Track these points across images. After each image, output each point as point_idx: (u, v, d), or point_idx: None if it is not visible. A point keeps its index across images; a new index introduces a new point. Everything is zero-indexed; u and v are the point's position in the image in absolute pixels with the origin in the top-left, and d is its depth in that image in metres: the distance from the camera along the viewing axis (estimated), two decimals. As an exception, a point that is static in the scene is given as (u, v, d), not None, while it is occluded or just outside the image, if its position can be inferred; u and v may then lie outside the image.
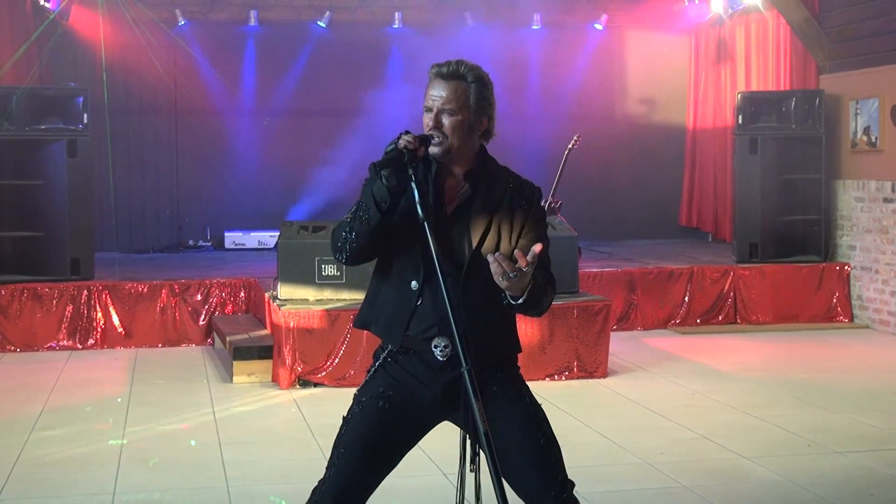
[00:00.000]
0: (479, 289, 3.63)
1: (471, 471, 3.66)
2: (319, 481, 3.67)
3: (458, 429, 3.75)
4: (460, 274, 3.63)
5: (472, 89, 3.68)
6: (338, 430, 3.71)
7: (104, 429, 7.37)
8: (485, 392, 3.56)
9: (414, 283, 3.65)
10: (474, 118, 3.69)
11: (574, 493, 3.66)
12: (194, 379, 9.01)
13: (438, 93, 3.66)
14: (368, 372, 3.79)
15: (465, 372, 3.40)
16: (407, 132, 3.59)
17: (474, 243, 3.65)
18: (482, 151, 3.78)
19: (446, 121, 3.64)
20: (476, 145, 3.74)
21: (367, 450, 3.61)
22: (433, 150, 3.63)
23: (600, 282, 10.90)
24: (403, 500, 5.77)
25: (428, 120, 3.66)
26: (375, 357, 3.80)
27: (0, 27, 11.19)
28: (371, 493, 3.65)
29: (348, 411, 3.73)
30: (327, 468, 3.66)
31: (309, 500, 3.68)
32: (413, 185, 3.54)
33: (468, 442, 3.67)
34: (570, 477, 3.66)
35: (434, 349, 3.64)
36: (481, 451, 3.56)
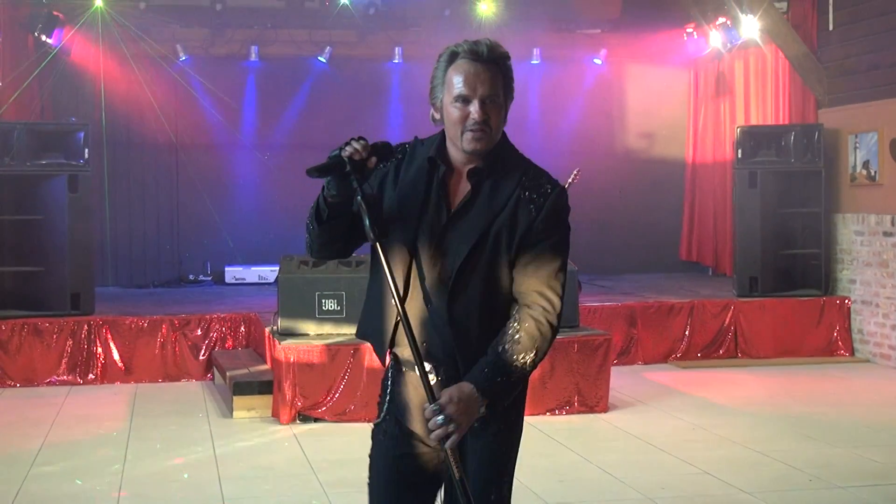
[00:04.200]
0: (468, 303, 3.25)
1: None
2: None
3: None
4: (447, 287, 3.25)
5: (506, 72, 3.36)
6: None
7: (104, 464, 7.33)
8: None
9: (398, 290, 3.24)
10: (507, 106, 3.36)
11: None
12: (194, 414, 8.98)
13: (481, 79, 3.26)
14: (378, 401, 3.49)
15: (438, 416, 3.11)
16: (360, 138, 3.23)
17: (465, 252, 3.24)
18: (501, 142, 3.39)
19: (491, 113, 3.27)
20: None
21: (392, 493, 3.38)
22: (476, 146, 3.27)
23: (601, 316, 10.89)
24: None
25: (474, 113, 3.24)
26: (382, 382, 3.48)
27: (2, 63, 11.23)
28: None
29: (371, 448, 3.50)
30: None
31: None
32: (360, 199, 3.17)
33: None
34: None
35: (427, 374, 3.22)
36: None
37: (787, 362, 11.18)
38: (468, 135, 3.24)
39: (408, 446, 3.36)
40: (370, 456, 3.45)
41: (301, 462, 7.39)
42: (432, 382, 3.20)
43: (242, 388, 8.93)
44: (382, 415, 3.41)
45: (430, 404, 3.11)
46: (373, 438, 3.45)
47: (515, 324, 3.27)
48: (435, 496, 3.42)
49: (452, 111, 3.26)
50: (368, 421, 8.13)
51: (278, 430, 8.39)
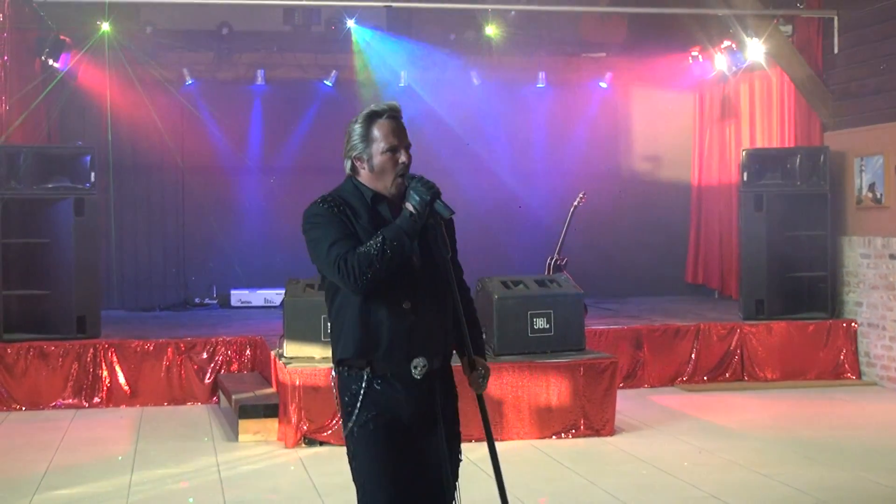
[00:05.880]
0: (450, 300, 4.12)
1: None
2: None
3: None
4: (441, 290, 4.08)
5: None
6: (352, 474, 4.08)
7: (109, 488, 7.32)
8: (439, 403, 4.08)
9: (406, 305, 4.00)
10: None
11: None
12: (199, 437, 8.98)
13: (403, 133, 4.09)
14: (347, 409, 4.04)
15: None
16: (422, 177, 4.04)
17: (447, 260, 4.07)
18: None
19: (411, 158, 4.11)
20: None
21: (388, 477, 3.97)
22: (402, 187, 4.07)
23: (607, 339, 10.87)
24: None
25: (404, 158, 4.06)
26: (349, 392, 4.03)
27: (9, 87, 11.28)
28: None
29: (349, 452, 4.09)
30: None
31: None
32: (441, 226, 4.04)
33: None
34: None
35: (413, 369, 3.99)
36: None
37: (794, 385, 11.15)
38: (399, 179, 4.06)
39: (392, 425, 3.99)
40: (356, 453, 4.04)
41: (307, 486, 7.37)
42: (423, 372, 4.01)
43: (248, 411, 8.92)
44: (355, 417, 4.00)
45: (475, 374, 4.12)
46: (355, 438, 4.02)
47: (468, 299, 4.29)
48: (415, 455, 4.05)
49: (383, 160, 4.06)
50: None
51: (284, 454, 8.38)
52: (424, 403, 4.03)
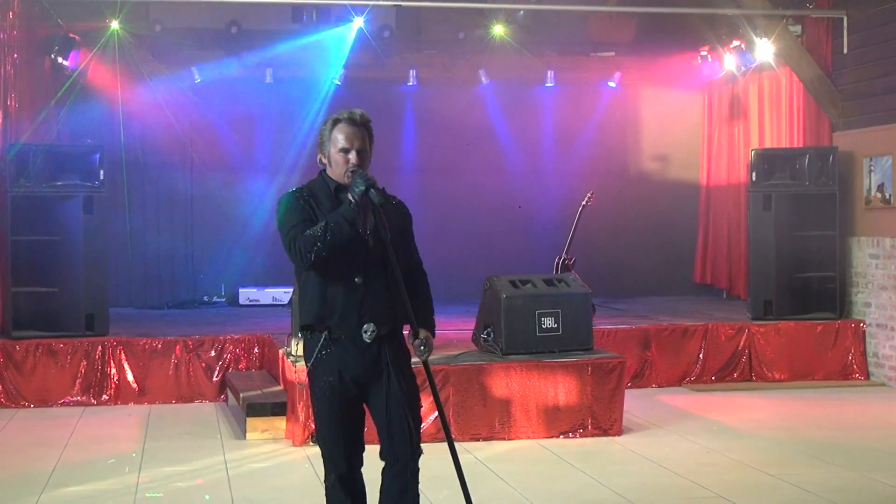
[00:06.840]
0: (397, 276, 4.78)
1: None
2: (324, 478, 4.92)
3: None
4: (384, 267, 4.78)
5: (370, 131, 4.90)
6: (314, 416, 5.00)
7: (117, 486, 7.34)
8: (387, 362, 4.84)
9: (358, 279, 4.78)
10: (371, 152, 4.92)
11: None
12: (207, 435, 8.99)
13: (356, 136, 4.83)
14: (309, 371, 4.90)
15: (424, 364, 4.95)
16: (361, 169, 4.80)
17: (394, 241, 4.78)
18: None
19: (363, 159, 4.84)
20: None
21: (340, 432, 4.84)
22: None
23: (615, 339, 10.87)
24: None
25: (353, 159, 4.79)
26: (309, 353, 4.88)
27: (20, 86, 11.29)
28: (362, 453, 4.92)
29: (312, 404, 4.97)
30: (324, 461, 4.93)
31: (327, 495, 4.92)
32: (378, 211, 4.75)
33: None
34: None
35: (363, 333, 4.78)
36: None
37: (802, 386, 11.14)
38: (349, 174, 4.81)
39: (347, 388, 4.83)
40: (316, 409, 4.93)
41: (314, 484, 7.38)
42: (372, 336, 4.79)
43: (256, 409, 8.94)
44: (315, 380, 4.88)
45: (417, 342, 4.85)
46: (316, 398, 4.90)
47: (419, 279, 5.07)
48: (363, 411, 4.95)
49: (338, 158, 4.84)
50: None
51: (291, 452, 8.39)
52: (373, 362, 4.82)
